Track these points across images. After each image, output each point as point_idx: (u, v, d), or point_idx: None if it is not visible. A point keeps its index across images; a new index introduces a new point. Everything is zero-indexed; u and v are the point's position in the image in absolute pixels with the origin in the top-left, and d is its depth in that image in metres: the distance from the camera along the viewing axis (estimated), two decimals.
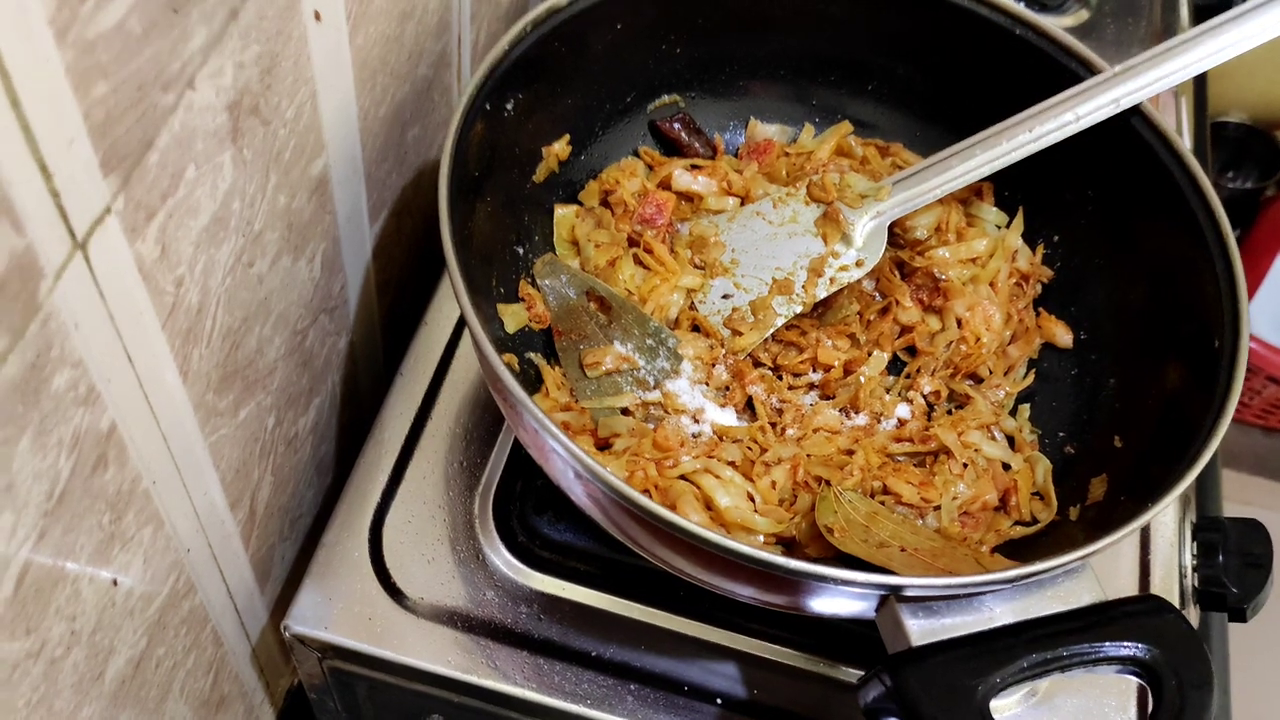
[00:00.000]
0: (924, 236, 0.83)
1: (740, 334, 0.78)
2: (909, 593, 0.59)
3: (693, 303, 0.80)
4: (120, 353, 0.51)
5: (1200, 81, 1.30)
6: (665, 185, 0.84)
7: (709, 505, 0.70)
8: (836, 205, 0.80)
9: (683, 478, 0.70)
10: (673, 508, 0.68)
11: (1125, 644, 0.57)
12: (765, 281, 0.80)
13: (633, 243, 0.81)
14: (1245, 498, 1.95)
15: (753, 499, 0.70)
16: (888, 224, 0.80)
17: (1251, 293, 1.93)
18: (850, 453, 0.74)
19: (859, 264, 0.79)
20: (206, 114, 0.53)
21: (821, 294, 0.79)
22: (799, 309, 0.79)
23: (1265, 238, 2.05)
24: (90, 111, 0.44)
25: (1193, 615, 0.81)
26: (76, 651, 0.54)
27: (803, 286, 0.79)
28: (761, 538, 0.70)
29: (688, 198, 0.84)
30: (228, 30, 0.52)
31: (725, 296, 0.80)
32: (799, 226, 0.81)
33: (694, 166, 0.85)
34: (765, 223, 0.81)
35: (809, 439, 0.74)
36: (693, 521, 0.60)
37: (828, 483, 0.71)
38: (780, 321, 0.78)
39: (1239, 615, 0.82)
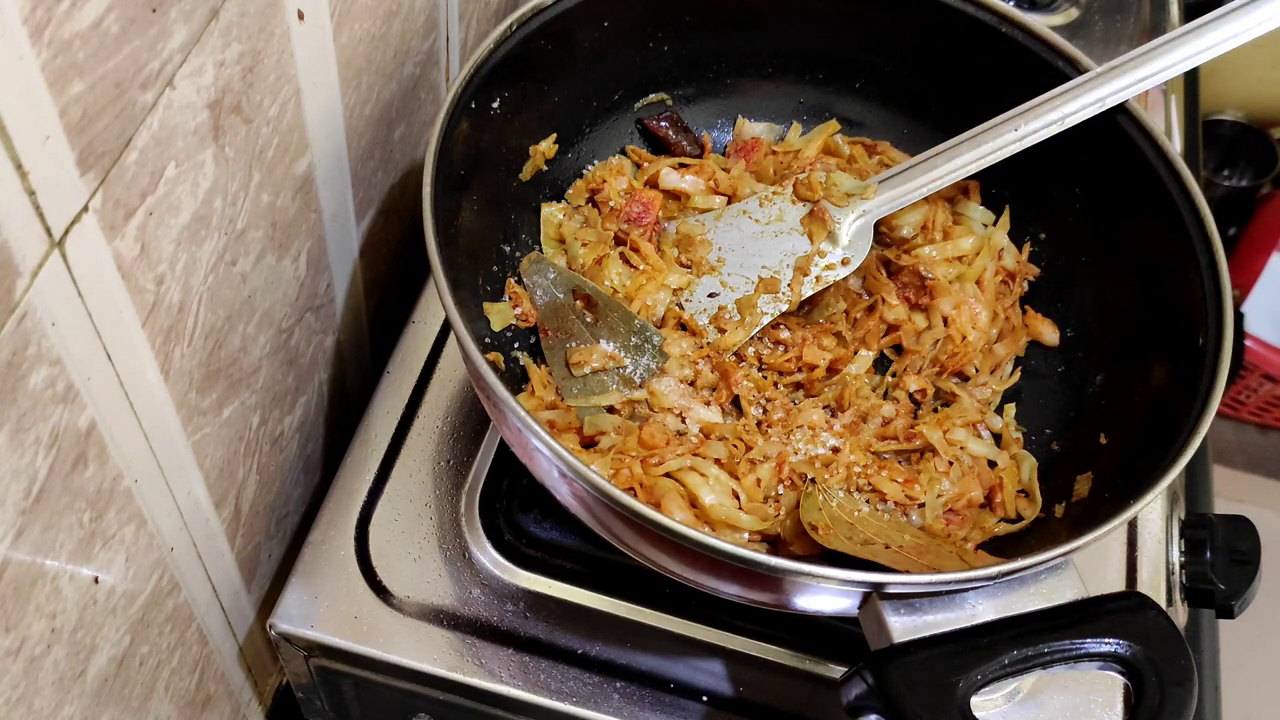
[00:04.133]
0: (910, 235, 0.83)
1: (726, 332, 0.78)
2: (891, 590, 0.59)
3: (679, 301, 0.80)
4: (99, 351, 0.51)
5: (1191, 79, 1.30)
6: (652, 184, 0.84)
7: (694, 503, 0.70)
8: (822, 204, 0.80)
9: (668, 475, 0.70)
10: (657, 506, 0.68)
11: (1107, 641, 0.57)
12: (751, 280, 0.80)
13: (619, 241, 0.81)
14: (1238, 494, 1.95)
15: (738, 497, 0.71)
16: (873, 223, 0.80)
17: (1247, 291, 1.93)
18: (836, 450, 0.74)
19: (845, 262, 0.79)
20: (187, 112, 0.53)
21: (807, 292, 0.79)
22: (784, 307, 0.79)
23: (1260, 236, 2.04)
24: (66, 110, 0.44)
25: (1181, 612, 0.81)
26: (57, 649, 0.54)
27: (788, 285, 0.79)
28: (746, 535, 0.70)
29: (675, 196, 0.84)
30: (208, 29, 0.52)
31: (711, 295, 0.80)
32: (785, 225, 0.81)
33: (681, 165, 0.85)
34: (751, 221, 0.81)
35: (794, 436, 0.74)
36: (677, 519, 0.60)
37: (813, 480, 0.71)
38: (766, 320, 0.78)
39: (1226, 612, 0.82)
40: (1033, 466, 0.76)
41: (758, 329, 0.79)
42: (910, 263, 0.82)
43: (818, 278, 0.79)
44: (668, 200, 0.84)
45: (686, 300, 0.80)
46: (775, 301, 0.79)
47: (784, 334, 0.80)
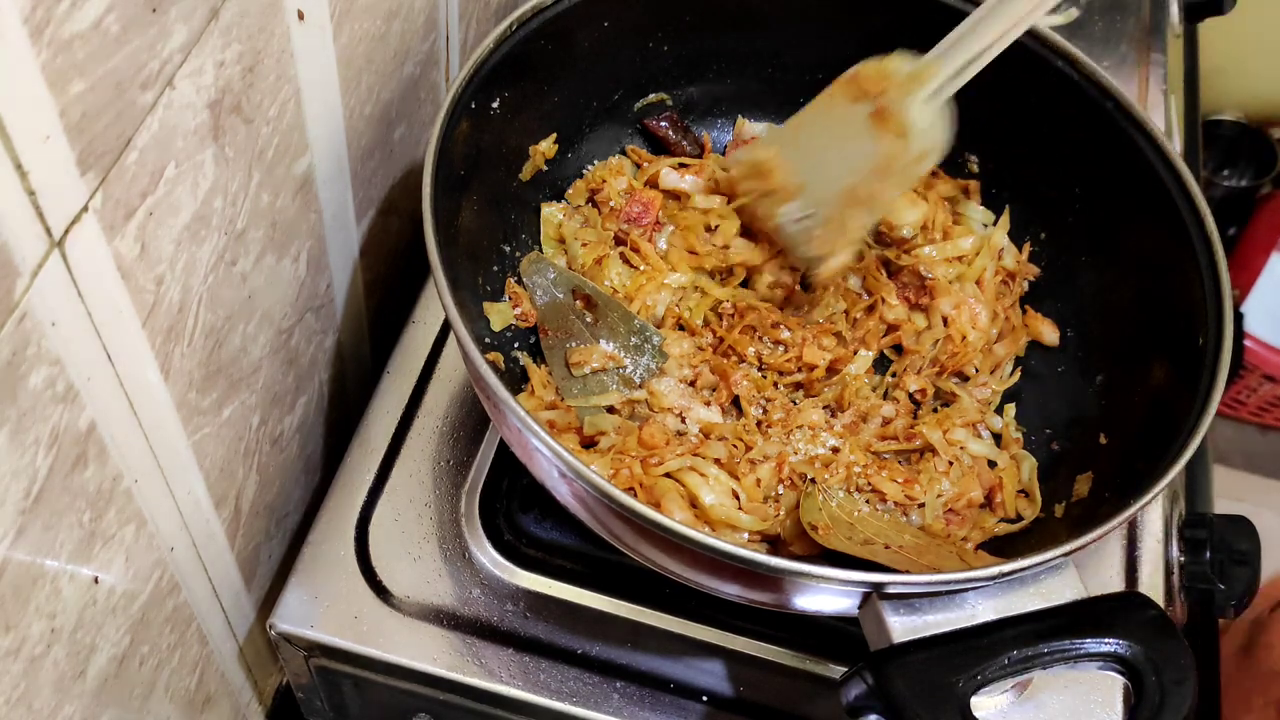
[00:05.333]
0: (910, 235, 0.83)
1: (824, 258, 0.76)
2: (891, 590, 0.59)
3: (775, 222, 0.76)
4: (99, 351, 0.51)
5: (1192, 79, 1.30)
6: (652, 184, 0.84)
7: (694, 503, 0.70)
8: (884, 101, 0.73)
9: (668, 475, 0.70)
10: (657, 506, 0.68)
11: (1106, 641, 0.57)
12: (837, 195, 0.75)
13: (619, 241, 0.81)
14: (1238, 494, 1.95)
15: (737, 497, 0.71)
16: (944, 101, 0.73)
17: (1246, 291, 1.93)
18: (836, 450, 0.74)
19: (924, 156, 0.74)
20: (187, 112, 0.53)
21: (895, 195, 0.76)
22: (878, 218, 0.76)
23: (1260, 236, 2.04)
24: (67, 110, 0.44)
25: (1181, 612, 0.81)
26: (57, 649, 0.54)
27: (874, 192, 0.74)
28: (746, 535, 0.70)
29: (675, 196, 0.84)
30: (208, 29, 0.52)
31: (801, 219, 0.77)
32: (851, 130, 0.75)
33: (681, 165, 0.85)
34: (821, 134, 0.77)
35: (794, 436, 0.74)
36: (677, 520, 0.60)
37: (813, 480, 0.71)
38: (861, 234, 0.76)
39: (1226, 612, 0.82)
40: (1033, 466, 0.76)
41: (857, 249, 0.76)
42: (910, 263, 0.82)
43: (902, 179, 0.75)
44: (668, 200, 0.84)
45: (784, 218, 0.76)
46: (869, 214, 0.75)
47: (784, 334, 0.80)
